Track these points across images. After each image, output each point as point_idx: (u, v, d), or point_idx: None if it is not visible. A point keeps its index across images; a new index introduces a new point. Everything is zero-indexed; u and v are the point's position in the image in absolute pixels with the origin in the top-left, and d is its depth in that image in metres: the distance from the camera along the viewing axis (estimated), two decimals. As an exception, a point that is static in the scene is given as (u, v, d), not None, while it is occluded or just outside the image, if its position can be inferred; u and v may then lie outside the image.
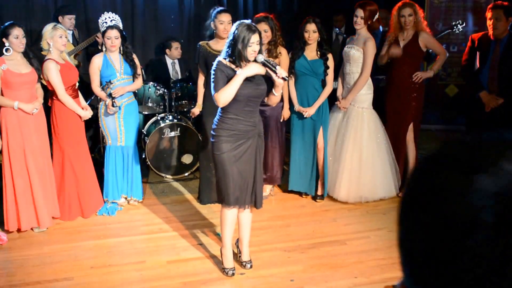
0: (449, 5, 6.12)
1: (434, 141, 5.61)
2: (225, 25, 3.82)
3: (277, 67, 2.81)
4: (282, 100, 4.06)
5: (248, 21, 2.89)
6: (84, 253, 3.38)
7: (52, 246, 3.48)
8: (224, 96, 2.80)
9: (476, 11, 6.05)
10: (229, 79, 2.84)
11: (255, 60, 2.85)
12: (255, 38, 2.80)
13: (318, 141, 4.09)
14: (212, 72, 2.89)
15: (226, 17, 3.85)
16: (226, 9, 3.97)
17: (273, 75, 2.80)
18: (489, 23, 4.03)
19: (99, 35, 4.71)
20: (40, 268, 3.18)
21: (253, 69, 2.81)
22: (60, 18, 4.78)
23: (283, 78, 2.79)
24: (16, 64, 3.53)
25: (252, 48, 2.80)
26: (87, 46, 4.93)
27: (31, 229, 3.68)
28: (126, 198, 4.12)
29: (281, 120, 4.10)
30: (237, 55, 2.82)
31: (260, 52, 2.84)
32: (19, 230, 3.64)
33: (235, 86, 2.78)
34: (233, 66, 2.86)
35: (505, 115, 3.93)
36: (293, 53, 4.02)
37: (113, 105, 3.81)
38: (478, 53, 4.18)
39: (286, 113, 4.10)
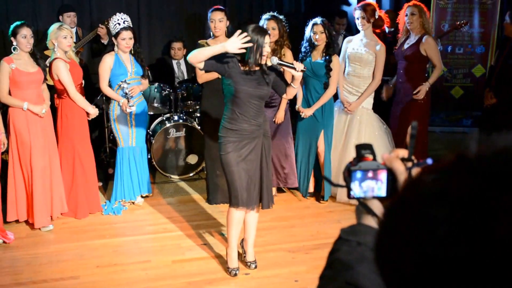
0: (455, 6, 6.10)
1: (439, 143, 5.60)
2: (215, 23, 3.84)
3: (294, 62, 2.91)
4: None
5: (254, 25, 2.92)
6: (90, 252, 3.41)
7: (58, 245, 3.52)
8: (196, 54, 2.76)
9: (482, 12, 6.04)
10: (229, 75, 2.86)
11: (266, 64, 2.91)
12: (267, 39, 2.86)
13: (318, 143, 4.09)
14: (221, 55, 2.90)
15: (216, 15, 3.87)
16: (218, 8, 3.96)
17: (293, 71, 2.87)
18: (506, 24, 4.19)
19: (100, 30, 4.73)
20: (46, 267, 3.21)
21: (232, 46, 2.72)
22: (60, 17, 4.80)
23: (302, 70, 2.87)
24: (24, 63, 3.56)
25: (265, 49, 2.84)
26: (91, 44, 4.94)
27: (39, 228, 3.72)
28: (142, 197, 4.18)
29: (273, 121, 4.03)
30: (246, 59, 2.84)
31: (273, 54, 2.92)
32: (29, 227, 3.68)
33: (210, 51, 2.75)
34: (240, 65, 2.89)
35: (499, 115, 4.03)
36: (302, 56, 4.03)
37: (129, 104, 3.83)
38: (497, 51, 4.32)
39: (280, 114, 4.02)
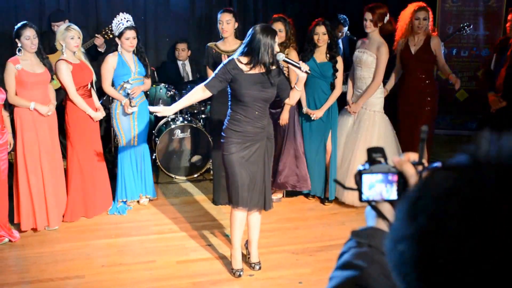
0: (461, 9, 6.10)
1: (443, 146, 5.59)
2: (223, 25, 3.87)
3: (300, 62, 2.90)
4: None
5: (263, 25, 2.93)
6: (95, 251, 3.43)
7: (64, 244, 3.54)
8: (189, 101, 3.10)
9: (487, 15, 6.03)
10: (233, 79, 2.88)
11: (276, 60, 2.92)
12: (276, 38, 2.89)
13: (327, 144, 4.10)
14: (220, 66, 2.94)
15: (224, 17, 3.89)
16: (226, 9, 3.99)
17: (297, 70, 2.88)
18: (508, 25, 4.10)
19: (97, 40, 4.68)
20: (52, 266, 3.24)
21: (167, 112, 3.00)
22: (53, 25, 4.71)
23: (306, 72, 2.86)
24: (30, 64, 3.58)
25: (275, 47, 2.87)
26: (88, 51, 4.88)
27: (44, 227, 3.73)
28: (141, 196, 4.19)
29: (278, 121, 4.03)
30: (256, 60, 2.86)
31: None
32: (34, 230, 3.70)
33: (178, 106, 3.05)
34: (245, 68, 2.90)
35: (509, 117, 3.99)
36: (303, 56, 4.04)
37: (131, 105, 3.85)
38: (495, 54, 4.23)
39: (285, 115, 4.01)
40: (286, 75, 3.80)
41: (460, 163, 0.54)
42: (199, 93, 2.96)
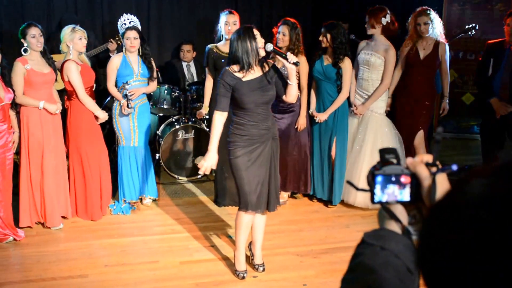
0: (467, 12, 6.07)
1: (450, 149, 5.57)
2: (229, 26, 3.87)
3: (288, 53, 2.91)
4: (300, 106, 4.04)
5: (238, 29, 2.93)
6: (98, 251, 3.42)
7: (67, 243, 3.54)
8: (216, 130, 2.95)
9: (494, 18, 6.00)
10: (233, 89, 2.88)
11: (265, 52, 2.92)
12: (255, 32, 2.87)
13: (332, 148, 4.08)
14: (218, 83, 2.94)
15: (230, 18, 3.88)
16: (231, 11, 3.97)
17: (285, 61, 2.89)
18: (507, 29, 4.02)
19: (111, 45, 4.68)
20: (55, 265, 3.23)
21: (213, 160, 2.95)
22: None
23: (294, 64, 2.86)
24: (38, 64, 3.60)
25: (258, 40, 2.86)
26: (97, 55, 4.88)
27: (49, 227, 3.74)
28: (142, 198, 4.17)
29: (295, 127, 4.06)
30: (245, 65, 2.86)
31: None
32: (39, 226, 3.72)
33: (214, 143, 2.96)
34: (239, 75, 2.89)
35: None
36: (314, 57, 4.04)
37: (128, 106, 3.85)
38: (492, 59, 4.17)
39: (302, 121, 4.02)
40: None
41: (496, 169, 0.53)
42: (220, 120, 2.94)
